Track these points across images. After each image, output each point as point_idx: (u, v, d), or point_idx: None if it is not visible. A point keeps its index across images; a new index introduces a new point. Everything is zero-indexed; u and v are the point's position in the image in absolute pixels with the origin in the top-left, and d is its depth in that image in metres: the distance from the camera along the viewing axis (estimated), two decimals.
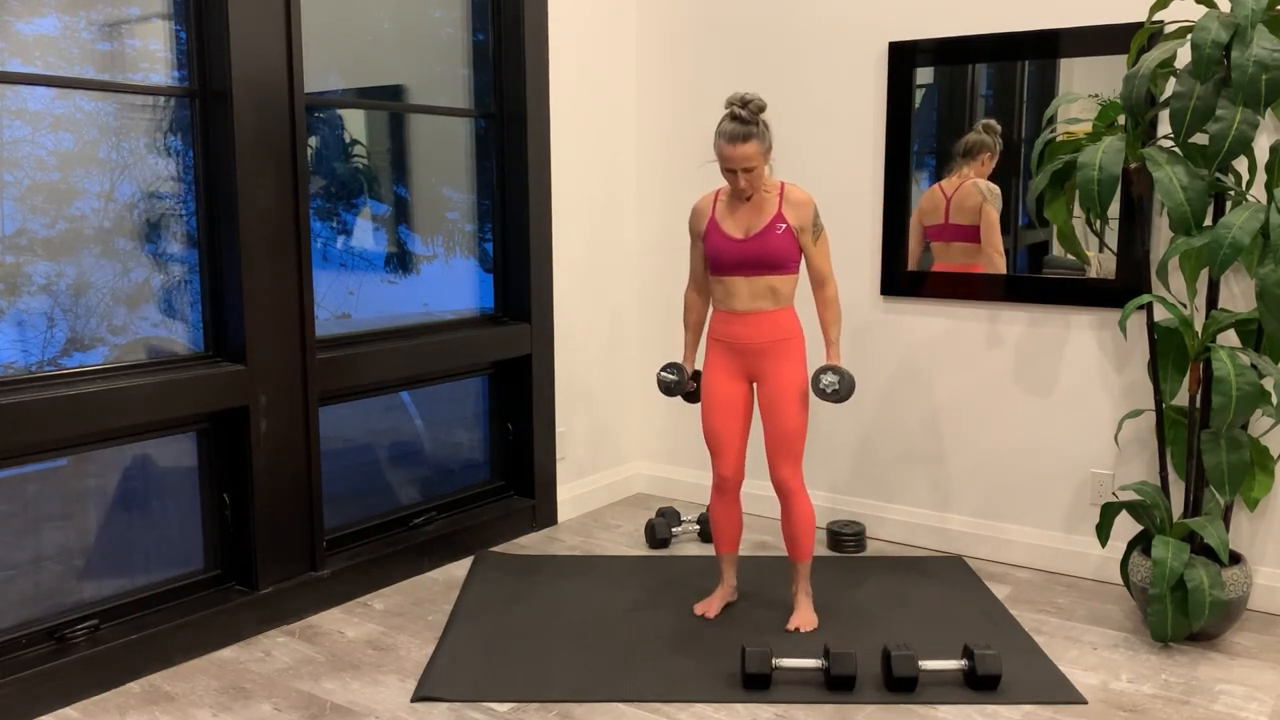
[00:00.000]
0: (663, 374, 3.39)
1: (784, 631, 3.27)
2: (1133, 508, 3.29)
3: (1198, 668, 3.05)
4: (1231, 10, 2.91)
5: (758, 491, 4.41)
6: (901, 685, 2.87)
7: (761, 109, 3.02)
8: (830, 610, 3.43)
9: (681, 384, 3.38)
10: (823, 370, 3.18)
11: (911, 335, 4.02)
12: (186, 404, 3.06)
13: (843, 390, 3.15)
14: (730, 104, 3.03)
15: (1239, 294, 3.41)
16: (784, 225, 3.13)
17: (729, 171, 3.07)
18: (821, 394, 3.17)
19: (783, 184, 3.17)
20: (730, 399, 3.27)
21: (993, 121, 3.68)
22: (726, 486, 3.32)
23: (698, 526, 4.15)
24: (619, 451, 4.68)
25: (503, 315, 4.17)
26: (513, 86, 4.03)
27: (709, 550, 4.02)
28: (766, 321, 3.17)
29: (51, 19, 2.84)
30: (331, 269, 3.61)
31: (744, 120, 3.00)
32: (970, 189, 3.69)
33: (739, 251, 3.17)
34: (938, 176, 3.91)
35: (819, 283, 3.22)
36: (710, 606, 3.39)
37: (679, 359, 3.61)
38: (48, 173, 2.86)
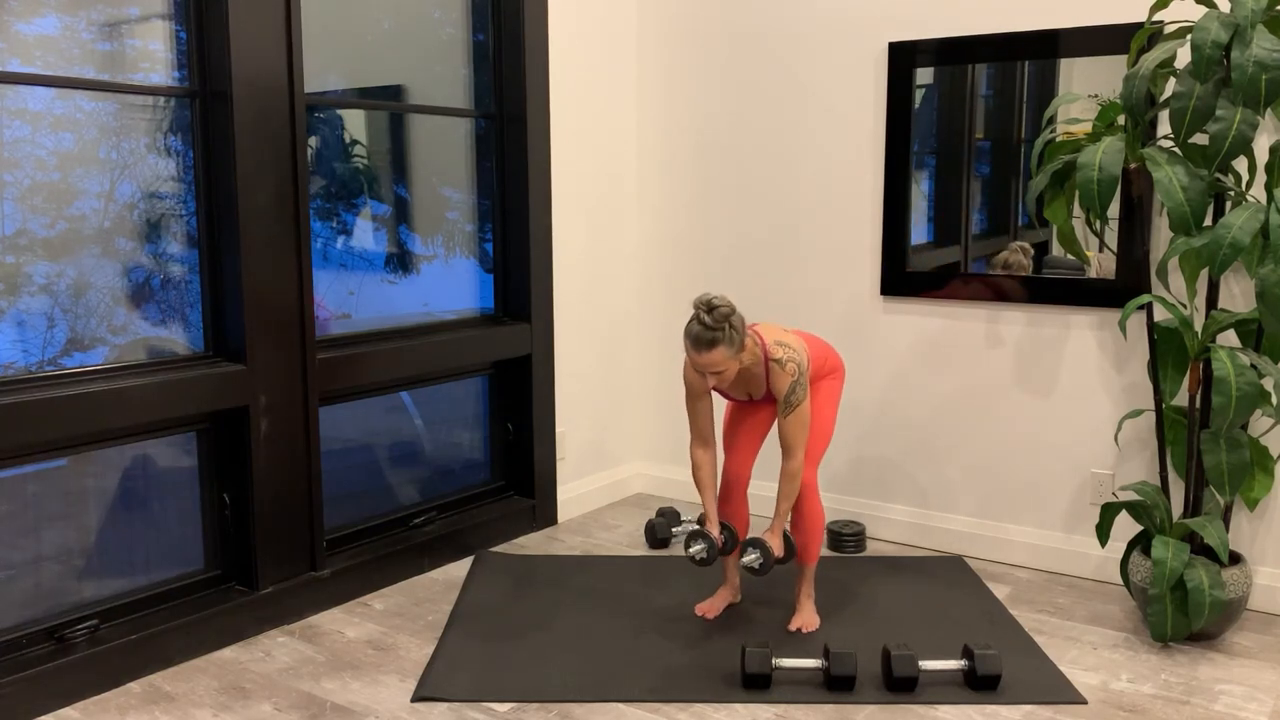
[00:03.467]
0: (693, 550, 3.16)
1: (785, 632, 3.27)
2: (1133, 508, 3.29)
3: (1198, 668, 3.05)
4: (1231, 10, 2.91)
5: (759, 491, 4.41)
6: (901, 685, 2.87)
7: (727, 315, 2.87)
8: (830, 610, 3.43)
9: (714, 549, 3.17)
10: (750, 543, 3.10)
11: (911, 335, 4.02)
12: (186, 404, 3.06)
13: (764, 569, 3.09)
14: (695, 308, 2.90)
15: (1239, 294, 3.41)
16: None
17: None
18: (742, 568, 3.16)
19: (766, 356, 3.04)
20: (753, 409, 3.32)
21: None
22: (733, 485, 3.32)
23: (698, 527, 4.14)
24: (619, 451, 4.68)
25: (503, 315, 4.17)
26: (513, 86, 4.03)
27: None
28: None
29: (51, 19, 2.84)
30: (331, 269, 3.61)
31: (709, 327, 2.86)
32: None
33: (751, 405, 3.29)
34: (938, 176, 3.91)
35: (785, 451, 3.08)
36: (711, 607, 3.39)
37: (698, 521, 3.43)
38: (48, 173, 2.86)
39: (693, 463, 3.23)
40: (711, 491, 3.23)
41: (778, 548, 3.12)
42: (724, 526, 3.27)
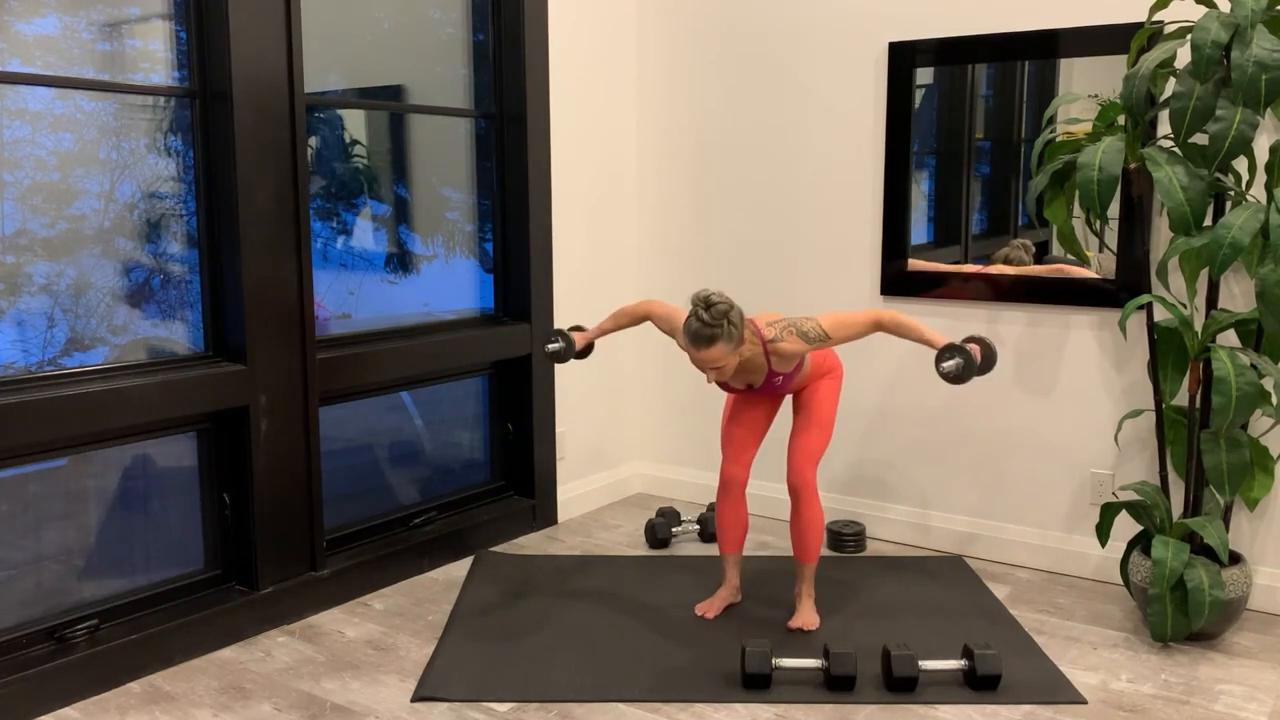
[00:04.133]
0: (549, 346, 3.36)
1: (785, 631, 3.27)
2: (1133, 508, 3.29)
3: (1198, 668, 3.05)
4: (1231, 10, 2.91)
5: (759, 491, 4.41)
6: (901, 685, 2.87)
7: (725, 312, 2.87)
8: (830, 610, 3.43)
9: (570, 349, 3.35)
10: (944, 351, 2.91)
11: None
12: (186, 404, 3.06)
13: (964, 372, 2.87)
14: (694, 304, 2.90)
15: (1239, 294, 3.41)
16: (781, 375, 3.14)
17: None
18: (944, 377, 2.91)
19: (764, 342, 3.04)
20: (752, 403, 3.31)
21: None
22: (731, 485, 3.33)
23: (698, 526, 4.14)
24: (619, 451, 4.68)
25: (503, 315, 4.17)
26: (513, 86, 4.03)
27: (709, 550, 4.02)
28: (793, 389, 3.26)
29: (51, 19, 2.84)
30: (331, 269, 3.61)
31: (707, 324, 2.87)
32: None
33: (751, 397, 3.30)
34: (938, 176, 3.91)
35: (874, 331, 3.02)
36: (711, 607, 3.39)
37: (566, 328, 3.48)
38: (48, 173, 2.86)
39: (633, 307, 3.32)
40: (614, 326, 3.34)
41: (975, 349, 2.93)
42: (589, 346, 3.43)
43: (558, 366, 4.29)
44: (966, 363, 2.89)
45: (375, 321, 3.74)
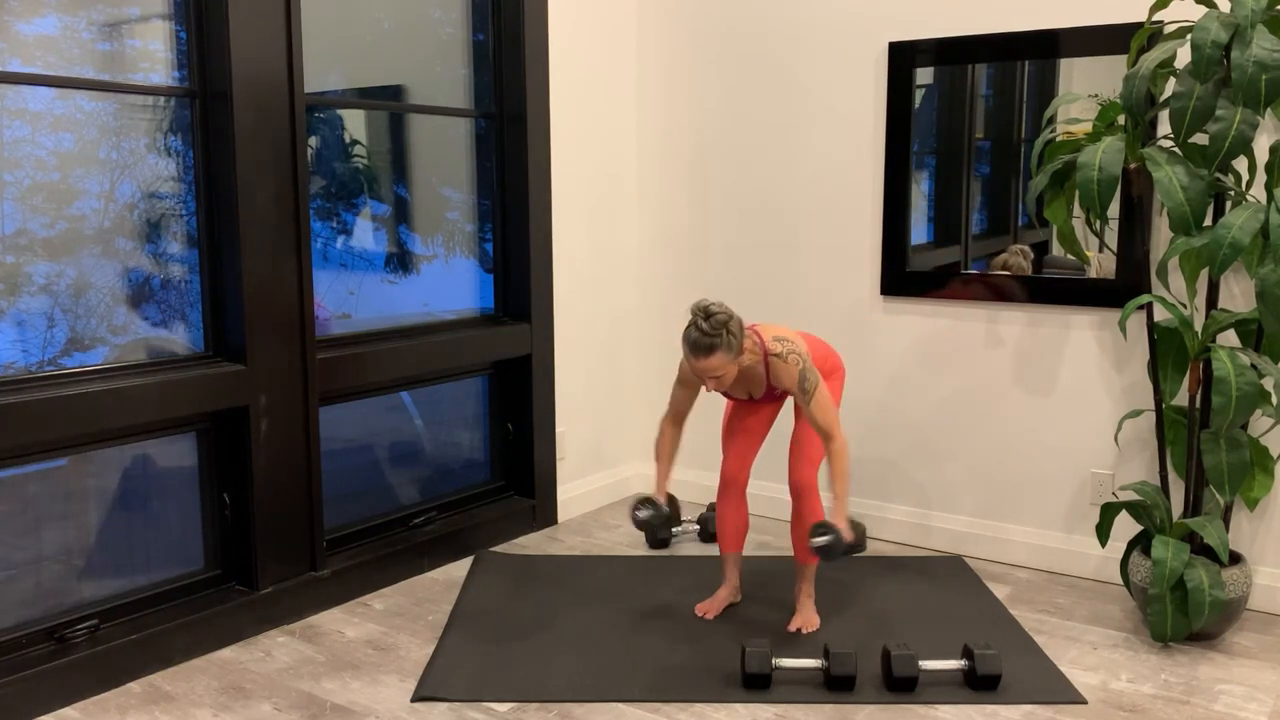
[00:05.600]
0: (637, 514, 3.17)
1: (785, 631, 3.27)
2: (1133, 508, 3.29)
3: (1198, 668, 3.05)
4: (1231, 10, 2.91)
5: (759, 491, 4.41)
6: (901, 685, 2.87)
7: (725, 321, 2.87)
8: (830, 610, 3.43)
9: (659, 516, 3.17)
10: (819, 526, 2.98)
11: (911, 335, 4.02)
12: (186, 404, 3.06)
13: (833, 551, 2.95)
14: (693, 314, 2.90)
15: (1239, 294, 3.41)
16: (780, 388, 3.14)
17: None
18: (811, 549, 2.99)
19: (765, 352, 3.03)
20: (753, 408, 3.32)
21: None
22: (731, 485, 3.33)
23: (698, 526, 4.14)
24: (619, 451, 4.68)
25: (503, 315, 4.17)
26: (513, 86, 4.03)
27: (709, 550, 4.02)
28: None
29: (51, 19, 2.84)
30: (331, 269, 3.61)
31: (706, 333, 2.87)
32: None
33: (751, 404, 3.29)
34: (938, 176, 3.91)
35: (823, 435, 3.03)
36: (711, 607, 3.39)
37: (652, 492, 3.34)
38: (48, 173, 2.86)
39: (659, 432, 3.28)
40: (667, 464, 3.27)
41: (847, 532, 3.00)
42: (670, 498, 3.34)
43: (557, 367, 4.29)
44: (836, 540, 2.95)
45: (375, 321, 3.74)
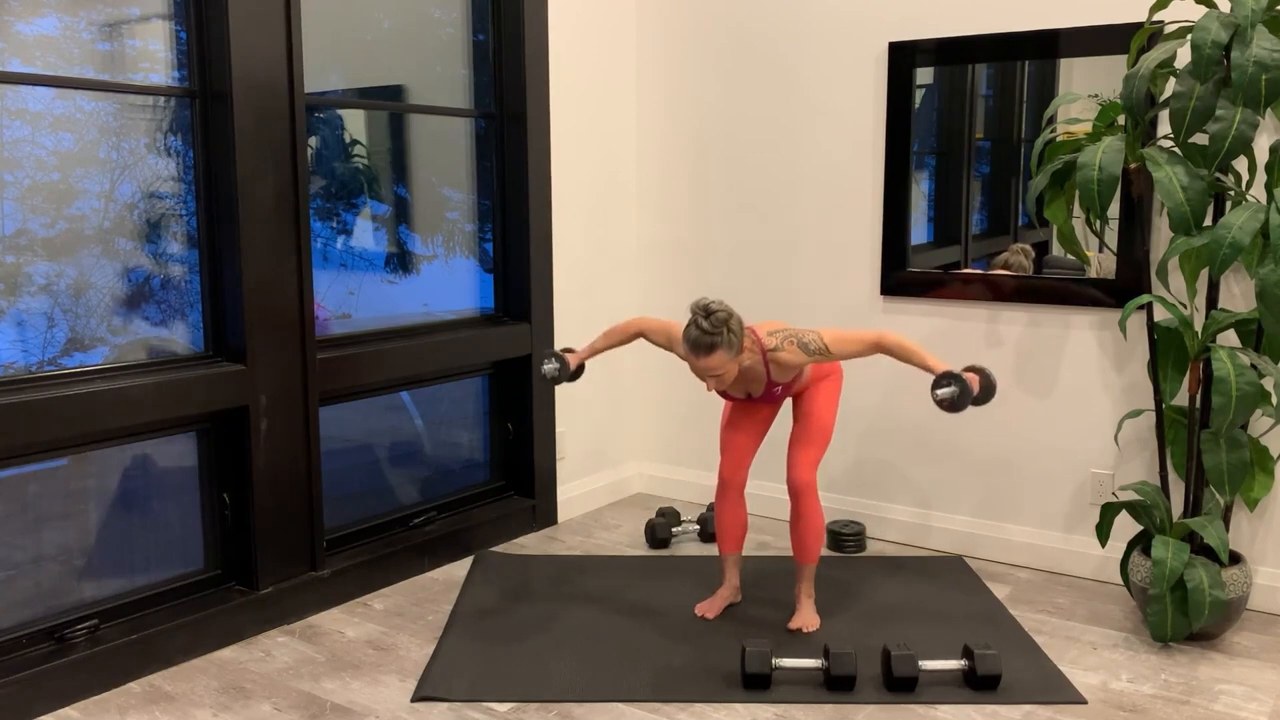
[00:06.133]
0: (544, 365, 3.31)
1: (785, 631, 3.27)
2: (1133, 508, 3.29)
3: (1198, 668, 3.05)
4: (1231, 10, 2.91)
5: (758, 491, 4.41)
6: (901, 685, 2.87)
7: (725, 320, 2.87)
8: (830, 610, 3.43)
9: (565, 370, 3.30)
10: (941, 379, 2.88)
11: (912, 335, 4.02)
12: (186, 404, 3.06)
13: (961, 402, 2.84)
14: (693, 313, 2.89)
15: (1239, 294, 3.41)
16: (780, 385, 3.13)
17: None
18: (937, 401, 2.88)
19: (763, 350, 3.03)
20: (751, 408, 3.31)
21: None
22: (730, 486, 3.33)
23: (698, 526, 4.14)
24: (619, 451, 4.68)
25: (503, 315, 4.17)
26: (513, 86, 4.03)
27: (709, 550, 4.02)
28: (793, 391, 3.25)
29: (51, 19, 2.84)
30: (331, 269, 3.61)
31: (707, 332, 2.86)
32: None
33: (751, 403, 3.28)
34: (938, 176, 3.91)
35: (871, 348, 2.99)
36: (711, 607, 3.39)
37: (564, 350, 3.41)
38: (48, 173, 2.86)
39: (623, 325, 3.28)
40: (606, 345, 3.30)
41: (973, 379, 2.89)
42: (581, 366, 3.35)
43: None
44: (962, 391, 2.85)
45: (375, 321, 3.74)
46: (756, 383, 3.13)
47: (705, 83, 4.38)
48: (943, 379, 2.88)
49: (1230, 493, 3.10)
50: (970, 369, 2.96)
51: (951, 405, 2.86)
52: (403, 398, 3.89)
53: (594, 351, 3.33)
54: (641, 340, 4.66)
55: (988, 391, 2.92)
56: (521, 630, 3.27)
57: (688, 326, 2.91)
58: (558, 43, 4.15)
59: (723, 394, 3.23)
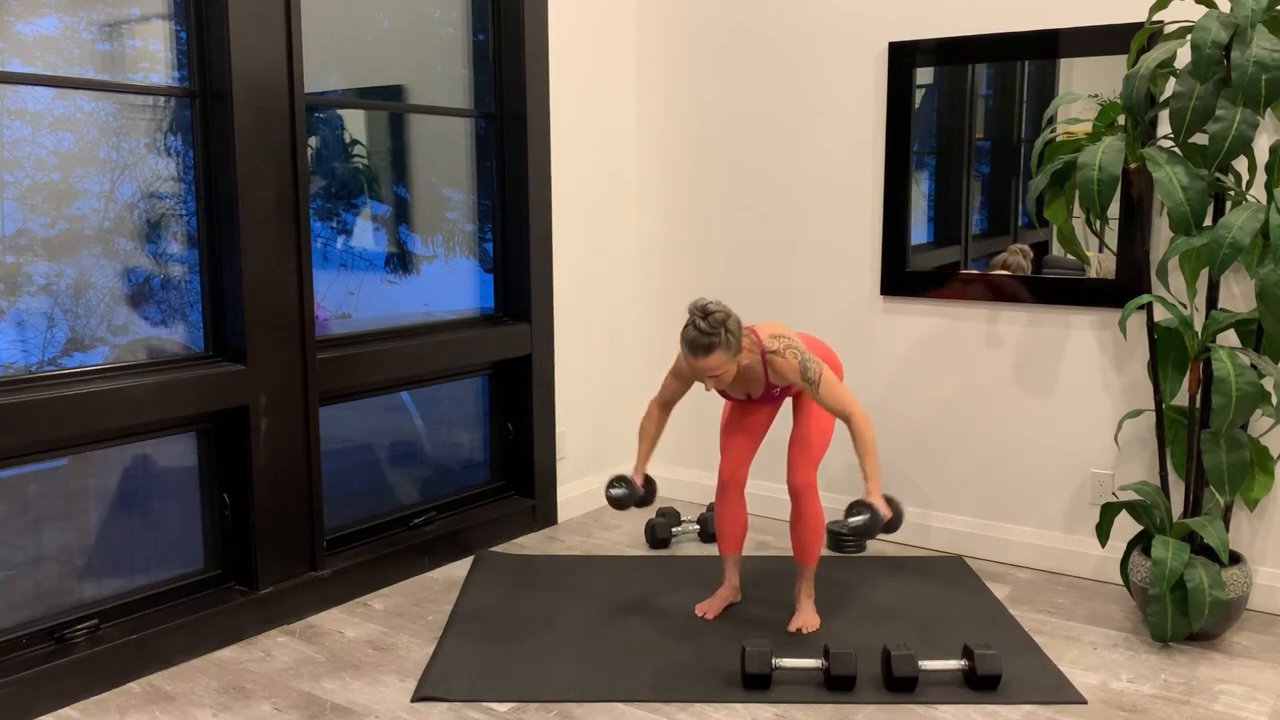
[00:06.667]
0: (611, 491, 3.21)
1: (785, 632, 3.27)
2: (1133, 508, 3.29)
3: (1198, 668, 3.05)
4: (1231, 10, 2.91)
5: (759, 491, 4.41)
6: (901, 685, 2.87)
7: (723, 320, 2.87)
8: (830, 610, 3.43)
9: (632, 496, 3.20)
10: (856, 504, 2.97)
11: (912, 335, 4.02)
12: (186, 404, 3.06)
13: (870, 531, 2.93)
14: (691, 313, 2.90)
15: (1239, 294, 3.41)
16: (779, 387, 3.14)
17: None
18: (845, 528, 2.94)
19: (763, 351, 3.04)
20: (751, 409, 3.31)
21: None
22: (730, 486, 3.33)
23: (698, 526, 4.14)
24: (619, 451, 4.68)
25: (503, 315, 4.17)
26: (513, 86, 4.03)
27: (709, 550, 4.02)
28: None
29: (51, 19, 2.84)
30: (331, 269, 3.61)
31: (704, 332, 2.87)
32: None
33: (750, 403, 3.27)
34: (938, 176, 3.91)
35: (842, 417, 3.02)
36: (711, 607, 3.39)
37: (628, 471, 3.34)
38: (48, 173, 2.86)
39: (646, 413, 3.29)
40: (649, 445, 3.28)
41: (883, 508, 2.96)
42: (648, 480, 3.30)
43: (556, 367, 4.29)
44: (873, 519, 2.94)
45: (375, 321, 3.74)
46: (756, 383, 3.13)
47: (705, 83, 4.39)
48: (857, 506, 2.96)
49: (1230, 493, 3.10)
50: (885, 497, 3.03)
51: (863, 533, 2.95)
52: (403, 398, 3.89)
53: (645, 458, 3.29)
54: (643, 340, 4.66)
55: (895, 522, 3.02)
56: (521, 630, 3.27)
57: (686, 327, 2.91)
58: (558, 43, 4.15)
59: (723, 394, 3.23)
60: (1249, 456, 3.08)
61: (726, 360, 2.91)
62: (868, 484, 3.01)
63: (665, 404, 3.27)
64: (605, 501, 3.27)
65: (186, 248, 3.18)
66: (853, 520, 2.95)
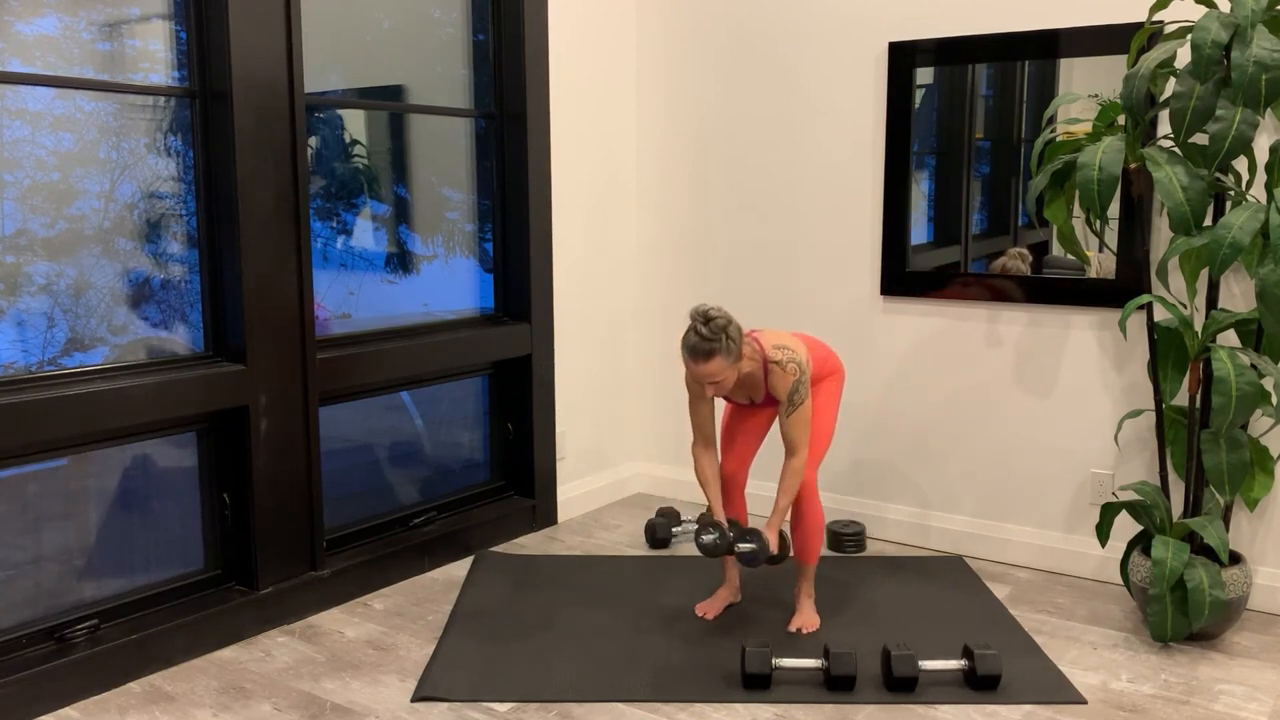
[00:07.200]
0: (703, 538, 3.14)
1: (785, 632, 3.27)
2: (1133, 508, 3.29)
3: (1198, 668, 3.05)
4: (1231, 10, 2.91)
5: (759, 491, 4.41)
6: (901, 685, 2.87)
7: (724, 326, 2.88)
8: (830, 610, 3.43)
9: (724, 543, 3.13)
10: (747, 532, 3.09)
11: (911, 335, 4.02)
12: (186, 404, 3.06)
13: (756, 559, 3.08)
14: (692, 319, 2.91)
15: (1239, 294, 3.41)
16: (775, 395, 3.14)
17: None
18: (735, 554, 3.09)
19: (765, 359, 3.05)
20: (752, 411, 3.32)
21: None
22: (729, 485, 3.33)
23: (698, 526, 4.14)
24: (619, 451, 4.68)
25: (503, 315, 4.17)
26: (513, 86, 4.03)
27: None
28: None
29: (51, 19, 2.84)
30: (331, 269, 3.61)
31: (705, 338, 2.88)
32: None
33: (751, 407, 3.28)
34: (938, 176, 3.91)
35: (789, 449, 3.09)
36: (711, 607, 3.39)
37: (711, 514, 3.24)
38: (48, 173, 2.86)
39: (695, 462, 3.24)
40: (716, 488, 3.24)
41: (773, 543, 3.10)
42: (731, 522, 3.27)
43: (557, 367, 4.29)
44: (760, 548, 3.08)
45: (375, 321, 3.74)
46: (756, 389, 3.13)
47: (705, 83, 4.39)
48: (749, 535, 3.10)
49: (1230, 493, 3.10)
50: (781, 533, 3.16)
51: (750, 560, 3.09)
52: (403, 398, 3.89)
53: (718, 502, 3.23)
54: (643, 340, 4.66)
55: (780, 557, 3.15)
56: (521, 630, 3.27)
57: (686, 333, 2.92)
58: (558, 43, 4.15)
59: (724, 398, 3.23)
60: (1249, 456, 3.08)
61: (727, 366, 2.91)
62: (772, 516, 3.10)
63: (705, 440, 3.21)
64: (696, 548, 3.33)
65: (186, 248, 3.18)
66: (741, 546, 3.10)
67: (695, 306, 2.93)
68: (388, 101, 3.74)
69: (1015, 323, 3.81)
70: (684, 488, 4.65)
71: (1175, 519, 3.40)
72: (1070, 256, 3.63)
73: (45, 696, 2.80)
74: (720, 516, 3.21)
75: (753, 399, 3.19)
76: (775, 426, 4.34)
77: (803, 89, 4.16)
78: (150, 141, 3.07)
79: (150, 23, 3.05)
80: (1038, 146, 3.39)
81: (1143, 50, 3.39)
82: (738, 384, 3.14)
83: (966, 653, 2.91)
